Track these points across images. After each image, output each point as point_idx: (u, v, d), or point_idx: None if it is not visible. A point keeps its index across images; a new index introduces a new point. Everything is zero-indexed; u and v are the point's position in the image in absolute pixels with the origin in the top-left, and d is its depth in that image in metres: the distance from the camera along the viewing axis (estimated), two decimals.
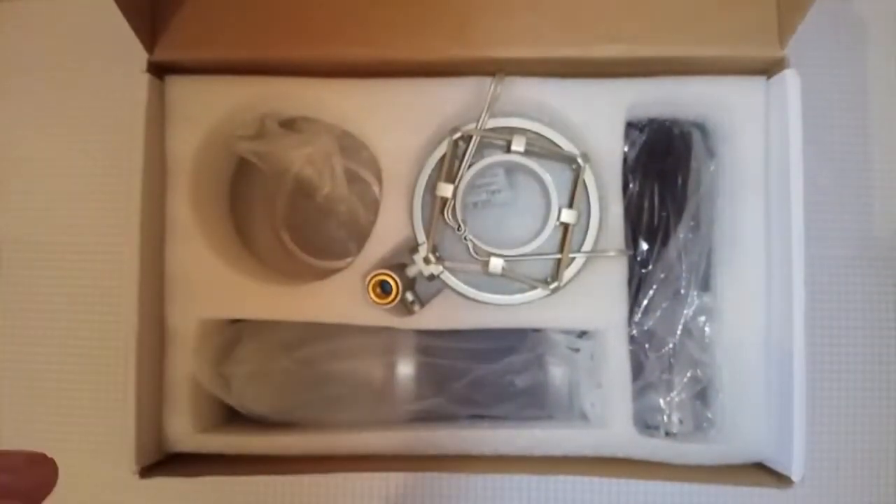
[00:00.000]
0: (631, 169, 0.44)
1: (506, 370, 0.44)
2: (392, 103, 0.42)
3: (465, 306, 0.41)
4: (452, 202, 0.40)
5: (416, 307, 0.42)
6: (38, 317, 0.51)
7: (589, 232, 0.41)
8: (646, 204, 0.44)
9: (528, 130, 0.41)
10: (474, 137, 0.40)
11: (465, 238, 0.40)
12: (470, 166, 0.41)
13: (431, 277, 0.41)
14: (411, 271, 0.41)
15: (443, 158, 0.41)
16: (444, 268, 0.41)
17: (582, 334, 0.45)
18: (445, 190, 0.40)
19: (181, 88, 0.42)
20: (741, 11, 0.40)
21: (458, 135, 0.40)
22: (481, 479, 0.49)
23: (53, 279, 0.51)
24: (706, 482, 0.41)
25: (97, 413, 0.50)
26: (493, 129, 0.41)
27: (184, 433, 0.42)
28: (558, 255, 0.41)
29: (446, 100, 0.42)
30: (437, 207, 0.40)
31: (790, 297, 0.39)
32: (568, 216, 0.40)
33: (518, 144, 0.40)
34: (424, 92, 0.42)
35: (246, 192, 0.49)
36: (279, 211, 0.48)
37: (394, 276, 0.40)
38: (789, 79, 0.39)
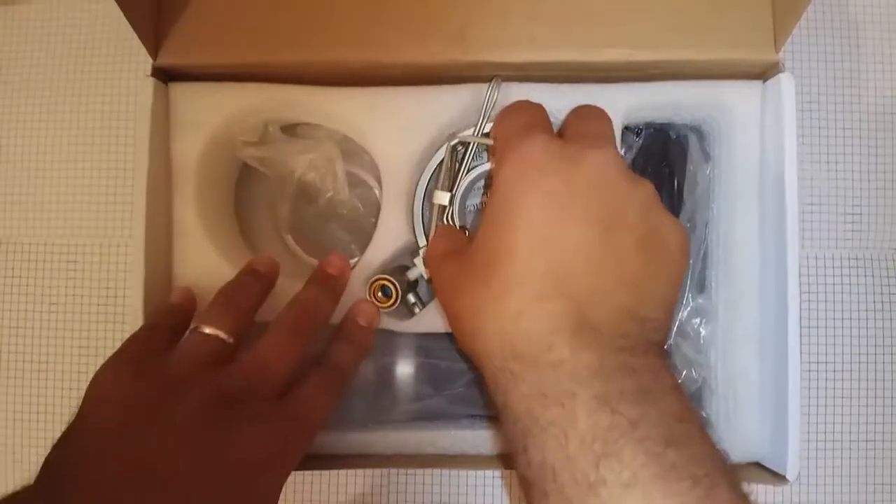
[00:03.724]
0: None
1: None
2: (392, 109, 0.42)
3: None
4: (451, 206, 0.41)
5: (418, 308, 0.42)
6: (42, 317, 0.52)
7: None
8: None
9: None
10: (472, 142, 0.41)
11: None
12: (469, 171, 0.41)
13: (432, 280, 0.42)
14: (412, 274, 0.42)
15: (441, 163, 0.41)
16: None
17: None
18: (444, 195, 0.40)
19: (185, 94, 0.43)
20: (736, 15, 0.40)
21: (455, 140, 0.41)
22: (480, 478, 0.50)
23: (57, 280, 0.52)
24: None
25: None
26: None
27: None
28: None
29: (445, 105, 0.42)
30: (436, 212, 0.41)
31: (785, 298, 0.39)
32: None
33: None
34: (424, 98, 0.42)
35: (250, 196, 0.49)
36: (283, 214, 0.49)
37: (394, 280, 0.40)
38: (784, 82, 0.40)
